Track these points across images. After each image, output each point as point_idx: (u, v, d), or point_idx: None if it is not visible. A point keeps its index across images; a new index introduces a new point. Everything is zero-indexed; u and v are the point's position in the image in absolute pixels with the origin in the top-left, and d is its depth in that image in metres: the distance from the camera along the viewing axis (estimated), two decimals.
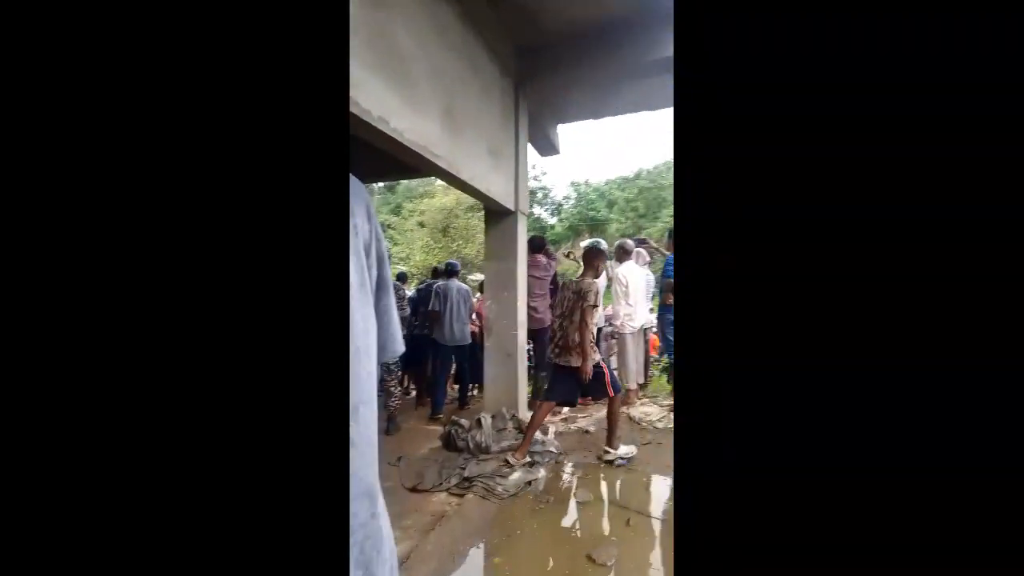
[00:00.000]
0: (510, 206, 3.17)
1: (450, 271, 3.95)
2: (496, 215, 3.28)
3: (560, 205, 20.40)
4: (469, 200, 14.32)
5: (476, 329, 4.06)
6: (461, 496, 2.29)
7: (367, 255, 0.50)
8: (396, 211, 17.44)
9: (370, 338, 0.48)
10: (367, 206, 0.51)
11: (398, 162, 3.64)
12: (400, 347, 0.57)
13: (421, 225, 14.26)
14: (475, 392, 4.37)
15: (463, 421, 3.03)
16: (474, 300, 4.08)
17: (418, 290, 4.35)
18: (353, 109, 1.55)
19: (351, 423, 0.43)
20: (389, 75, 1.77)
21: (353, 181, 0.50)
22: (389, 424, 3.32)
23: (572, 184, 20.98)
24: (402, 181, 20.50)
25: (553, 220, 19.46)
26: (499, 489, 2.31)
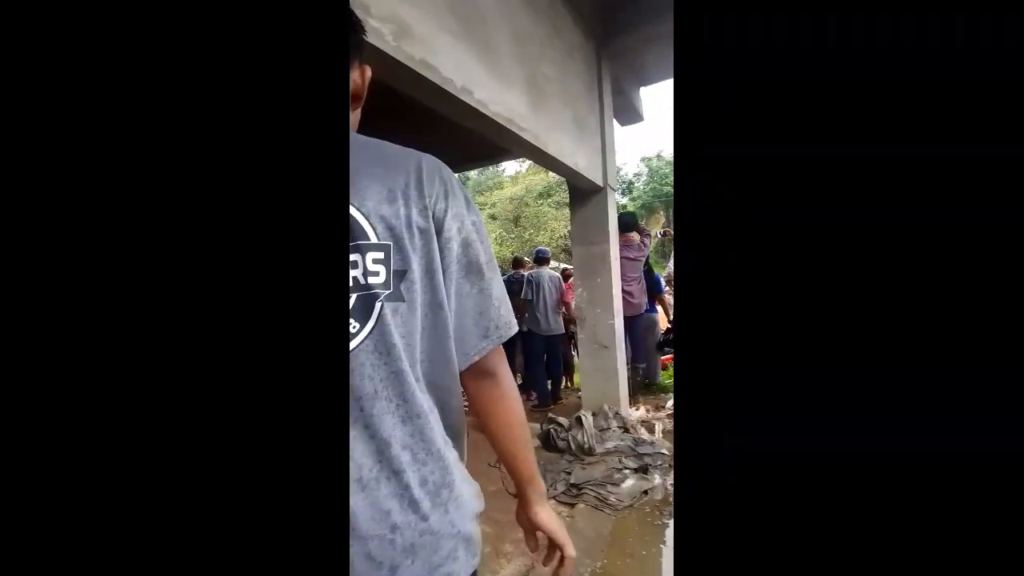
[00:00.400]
0: (598, 181, 2.85)
1: (541, 258, 3.79)
2: (583, 193, 2.98)
3: (631, 183, 19.37)
4: (538, 187, 14.09)
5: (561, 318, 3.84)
6: (570, 506, 2.08)
7: (439, 234, 0.47)
8: None
9: (437, 319, 0.47)
10: (445, 184, 0.48)
11: (476, 146, 3.50)
12: (512, 328, 0.52)
13: (493, 218, 14.37)
14: (568, 385, 4.17)
15: (561, 419, 2.82)
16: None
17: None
18: (433, 78, 1.37)
19: (424, 394, 0.46)
20: (472, 40, 1.56)
21: (428, 160, 0.48)
22: None
23: (643, 159, 19.80)
24: (471, 176, 20.86)
25: (624, 200, 18.52)
26: (612, 499, 2.07)
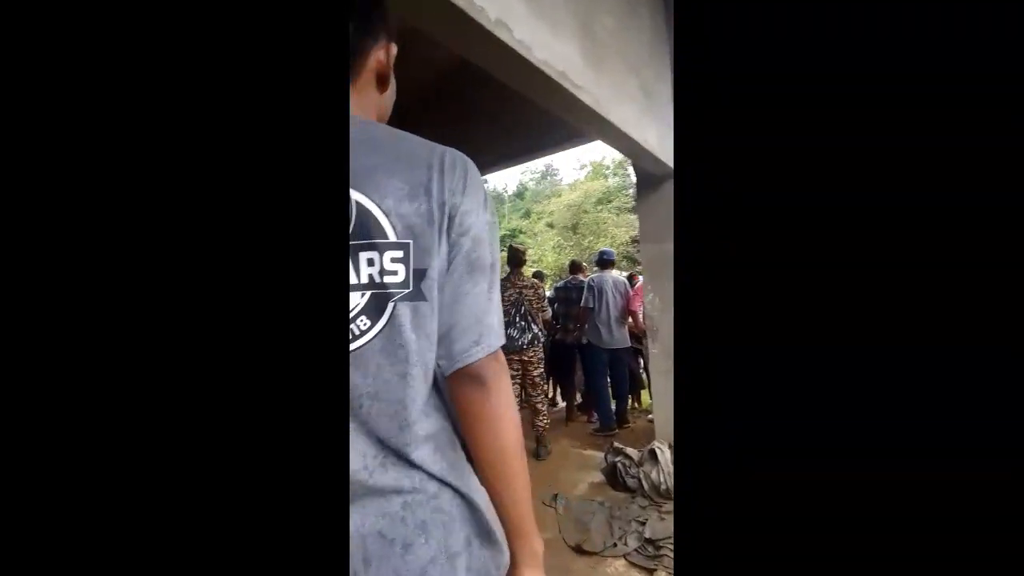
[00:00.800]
0: (672, 164, 2.38)
1: (604, 261, 3.29)
2: (653, 180, 2.52)
3: None
4: (597, 193, 13.54)
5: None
6: (648, 571, 1.60)
7: (451, 228, 0.45)
8: (526, 215, 17.67)
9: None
10: (465, 178, 0.46)
11: (522, 130, 3.15)
12: (500, 340, 0.47)
13: (550, 226, 14.03)
14: (635, 406, 3.64)
15: (630, 451, 2.33)
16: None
17: (556, 288, 3.80)
18: (459, 3, 1.02)
19: (432, 396, 0.46)
20: None
21: (451, 154, 0.47)
22: (539, 448, 2.79)
23: None
24: (529, 186, 20.70)
25: None
26: None
